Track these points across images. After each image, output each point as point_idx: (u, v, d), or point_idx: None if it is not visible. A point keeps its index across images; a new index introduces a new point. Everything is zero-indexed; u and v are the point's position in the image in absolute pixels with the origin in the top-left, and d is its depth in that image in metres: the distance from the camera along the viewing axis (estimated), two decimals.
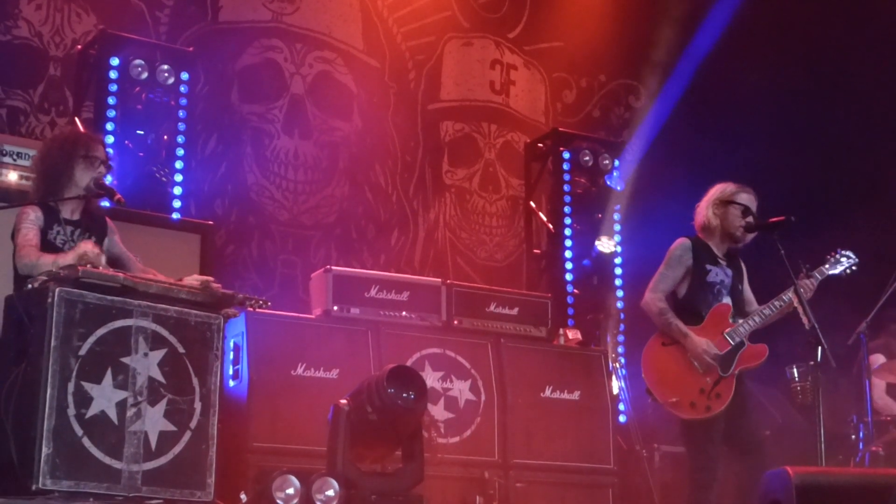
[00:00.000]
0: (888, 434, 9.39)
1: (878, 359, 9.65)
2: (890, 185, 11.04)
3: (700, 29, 11.70)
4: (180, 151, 9.20)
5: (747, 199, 7.53)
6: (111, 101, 8.97)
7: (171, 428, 6.29)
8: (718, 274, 7.46)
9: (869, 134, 11.34)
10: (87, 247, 6.38)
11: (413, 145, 11.59)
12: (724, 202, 7.53)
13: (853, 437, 9.45)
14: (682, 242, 7.53)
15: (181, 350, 6.38)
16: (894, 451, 9.12)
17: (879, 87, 11.25)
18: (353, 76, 11.29)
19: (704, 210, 7.58)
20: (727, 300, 7.45)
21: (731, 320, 7.38)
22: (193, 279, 6.59)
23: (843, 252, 7.64)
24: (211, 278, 6.65)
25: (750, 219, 7.47)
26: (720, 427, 7.24)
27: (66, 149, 6.79)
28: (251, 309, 6.94)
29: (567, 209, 10.87)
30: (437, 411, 8.20)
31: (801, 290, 7.18)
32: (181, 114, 9.25)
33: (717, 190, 7.61)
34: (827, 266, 7.56)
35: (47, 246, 6.52)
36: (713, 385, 7.22)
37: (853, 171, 11.20)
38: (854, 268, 7.65)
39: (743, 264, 7.70)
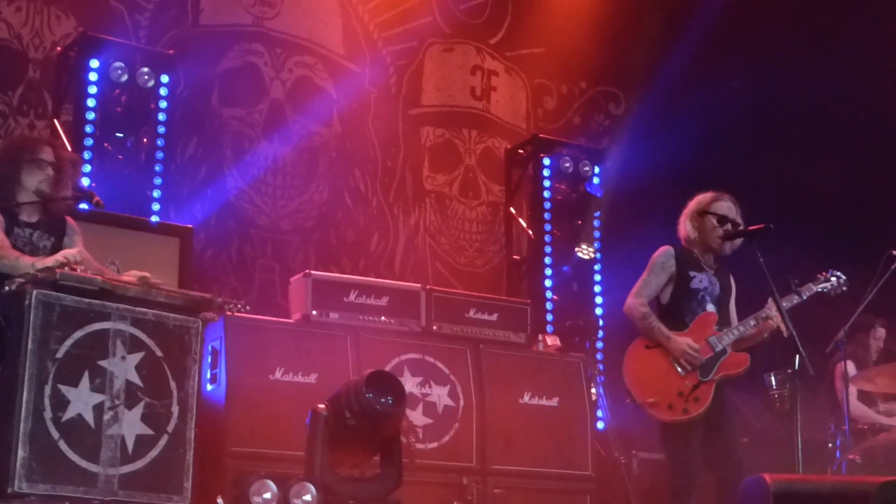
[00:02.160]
0: (865, 442, 9.42)
1: (850, 367, 9.69)
2: (871, 192, 11.10)
3: (680, 35, 11.73)
4: (160, 155, 9.17)
5: (724, 207, 7.54)
6: (90, 103, 8.94)
7: (149, 432, 6.26)
8: (703, 281, 7.47)
9: (851, 139, 11.39)
10: (71, 252, 6.37)
11: (393, 151, 11.58)
12: (701, 213, 7.55)
13: (830, 444, 9.47)
14: (665, 250, 7.55)
15: (159, 353, 6.36)
16: (871, 459, 9.14)
17: (863, 93, 11.31)
18: (334, 81, 11.28)
19: (684, 223, 7.61)
20: (711, 308, 7.46)
21: (715, 328, 7.40)
22: (131, 275, 6.54)
23: (833, 272, 7.67)
24: (148, 273, 6.59)
25: (728, 226, 7.48)
26: (699, 433, 7.25)
27: (11, 154, 6.77)
28: (230, 313, 6.92)
29: (547, 215, 10.89)
30: (416, 416, 8.19)
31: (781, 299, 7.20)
32: (161, 117, 9.23)
33: (694, 201, 7.63)
34: (814, 284, 7.59)
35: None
36: (692, 389, 7.24)
37: (834, 176, 11.23)
38: (844, 289, 7.69)
39: (733, 281, 7.72)
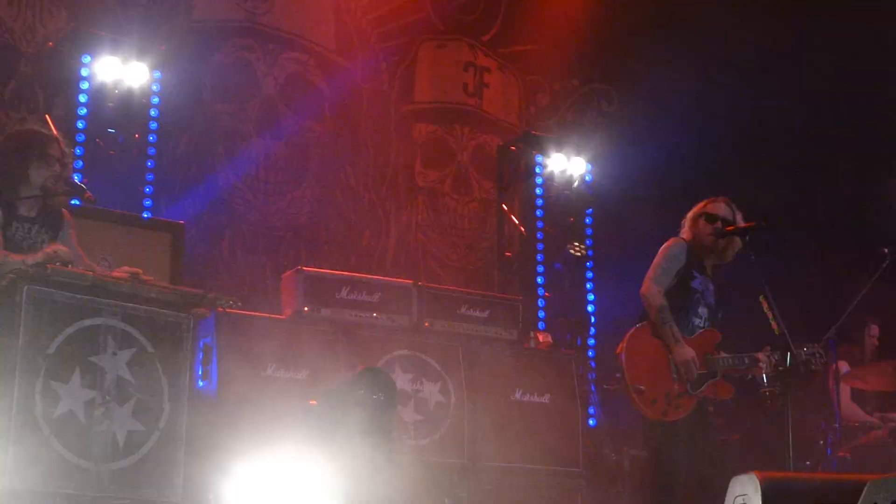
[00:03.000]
0: (855, 440, 9.44)
1: (843, 366, 9.72)
2: (862, 190, 11.11)
3: (671, 33, 11.74)
4: (151, 150, 9.17)
5: (717, 207, 7.56)
6: (82, 98, 8.93)
7: (140, 428, 6.26)
8: (702, 283, 7.49)
9: (843, 139, 11.41)
10: (57, 247, 6.36)
11: (385, 147, 11.57)
12: (695, 218, 7.58)
13: (821, 442, 9.49)
14: (678, 241, 7.56)
15: (150, 349, 6.35)
16: (861, 456, 9.16)
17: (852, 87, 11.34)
18: (326, 77, 11.27)
19: (684, 231, 7.64)
20: (703, 310, 7.48)
21: (714, 348, 7.42)
22: (122, 271, 6.53)
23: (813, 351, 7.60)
24: (139, 270, 6.59)
25: (717, 224, 7.50)
26: (683, 435, 7.26)
27: (20, 147, 6.72)
28: (221, 309, 6.92)
29: (539, 212, 10.90)
30: (408, 413, 8.19)
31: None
32: (153, 112, 9.22)
33: (691, 211, 7.67)
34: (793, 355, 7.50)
35: (9, 244, 6.47)
36: (677, 395, 7.25)
37: (827, 176, 11.26)
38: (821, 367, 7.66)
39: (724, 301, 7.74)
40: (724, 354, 7.43)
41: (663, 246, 7.57)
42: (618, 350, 7.44)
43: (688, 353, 7.27)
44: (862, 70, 11.32)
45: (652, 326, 7.42)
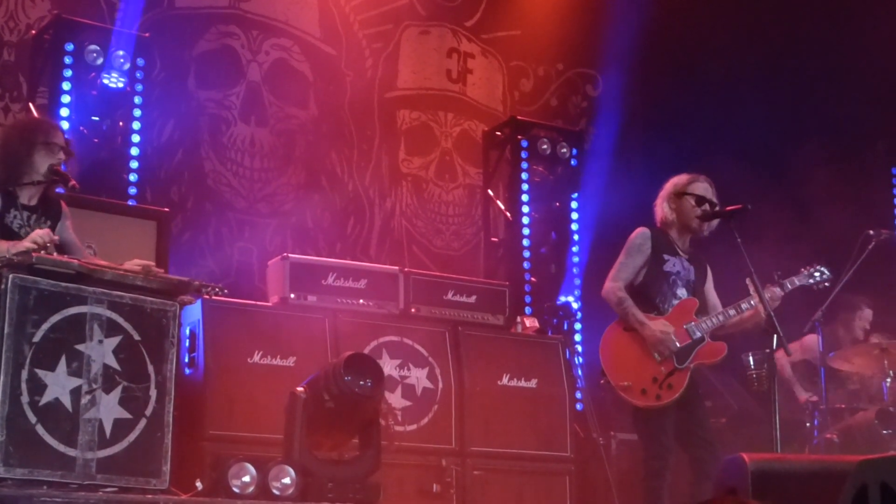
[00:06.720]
0: (842, 421, 9.46)
1: (817, 344, 9.73)
2: (850, 181, 11.14)
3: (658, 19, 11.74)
4: (136, 138, 9.14)
5: (702, 188, 7.54)
6: (66, 86, 8.89)
7: (126, 415, 6.26)
8: (676, 265, 7.48)
9: (836, 128, 11.44)
10: (40, 233, 6.35)
11: (369, 134, 11.55)
12: (678, 195, 7.55)
13: (808, 424, 9.51)
14: (641, 231, 7.55)
15: (136, 337, 6.35)
16: (848, 438, 9.19)
17: (848, 80, 11.36)
18: (310, 64, 11.24)
19: (661, 205, 7.61)
20: (682, 291, 7.47)
21: (695, 315, 7.41)
22: (134, 264, 6.55)
23: (818, 267, 7.66)
24: (152, 263, 6.61)
25: (706, 207, 7.49)
26: (672, 417, 7.27)
27: (26, 135, 6.78)
28: (207, 296, 6.93)
29: (525, 197, 10.88)
30: (395, 399, 8.19)
31: (760, 285, 7.20)
32: (137, 100, 9.19)
33: (670, 184, 7.63)
34: (797, 278, 7.58)
35: (4, 231, 6.48)
36: (666, 375, 7.25)
37: (814, 162, 11.27)
38: (827, 283, 7.70)
39: (709, 268, 7.72)
40: (705, 317, 7.43)
41: (628, 238, 7.57)
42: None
43: (657, 329, 7.27)
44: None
45: (622, 321, 7.44)
